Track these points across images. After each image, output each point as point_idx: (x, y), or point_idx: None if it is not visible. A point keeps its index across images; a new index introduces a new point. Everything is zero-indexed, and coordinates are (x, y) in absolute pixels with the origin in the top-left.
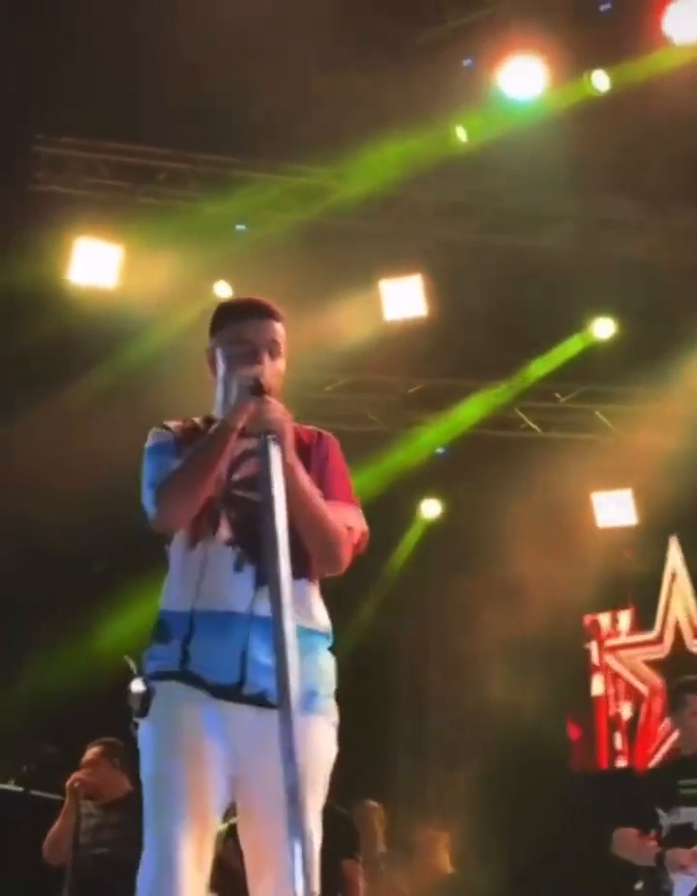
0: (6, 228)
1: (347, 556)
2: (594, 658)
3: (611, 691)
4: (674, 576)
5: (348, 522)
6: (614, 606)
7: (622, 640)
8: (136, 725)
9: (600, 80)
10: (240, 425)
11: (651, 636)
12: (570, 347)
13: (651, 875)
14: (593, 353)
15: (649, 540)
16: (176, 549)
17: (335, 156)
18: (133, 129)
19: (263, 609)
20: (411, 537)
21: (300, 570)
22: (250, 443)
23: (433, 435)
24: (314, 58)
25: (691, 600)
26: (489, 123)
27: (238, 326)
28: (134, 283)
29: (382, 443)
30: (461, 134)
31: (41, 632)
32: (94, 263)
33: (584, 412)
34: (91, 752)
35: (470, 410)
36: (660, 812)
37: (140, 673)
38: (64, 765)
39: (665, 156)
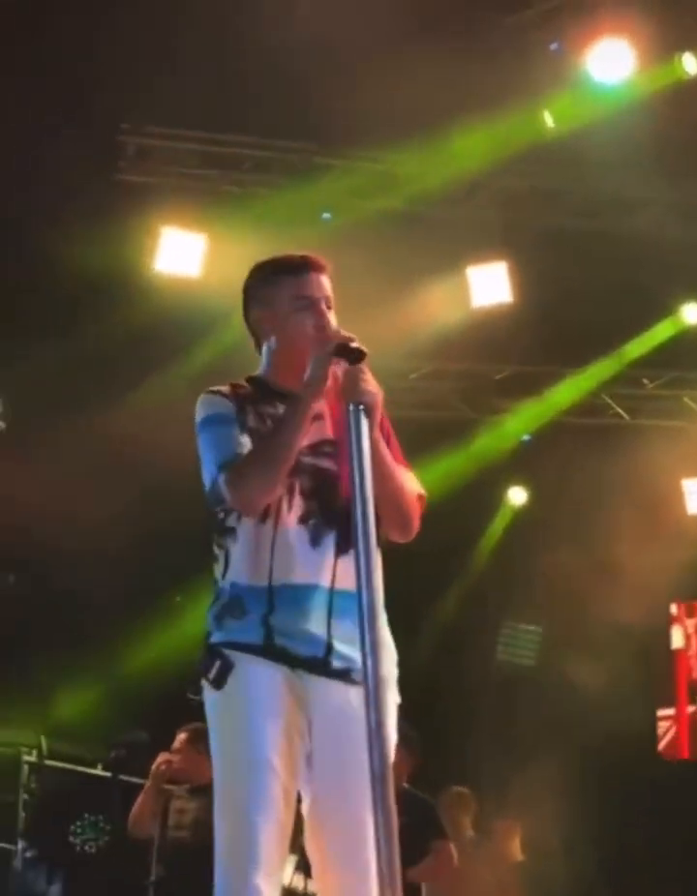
0: (92, 218)
1: (417, 524)
2: (680, 642)
3: None
4: None
5: (415, 488)
6: None
7: None
8: (199, 692)
9: (690, 63)
10: (320, 394)
11: None
12: (659, 333)
13: None
14: (682, 339)
15: None
16: (245, 520)
17: (420, 142)
18: (217, 117)
19: (345, 581)
20: (498, 524)
21: (377, 538)
22: (316, 406)
23: (519, 423)
24: (399, 44)
25: None
26: (577, 107)
27: (298, 280)
28: (218, 272)
29: (469, 430)
30: (548, 118)
31: (130, 619)
32: (179, 252)
33: (672, 399)
34: (179, 739)
35: (558, 397)
36: None
37: (205, 638)
38: (153, 751)
39: None
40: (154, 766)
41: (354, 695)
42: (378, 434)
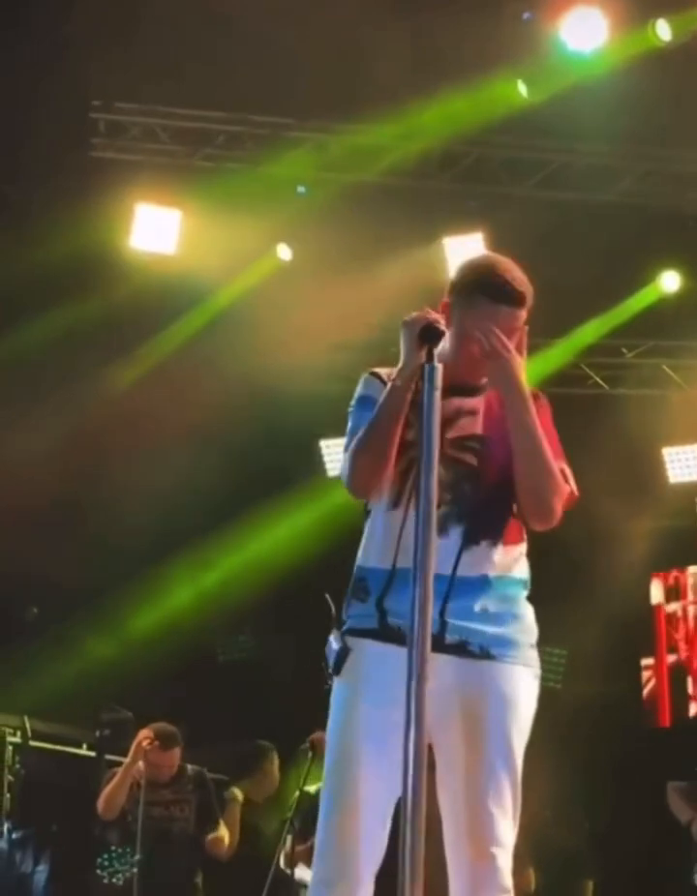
0: (66, 196)
1: (559, 508)
2: (659, 598)
3: (681, 645)
4: None
5: (563, 481)
6: (687, 562)
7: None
8: (331, 680)
9: (663, 30)
10: (410, 383)
11: None
12: (637, 302)
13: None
14: (660, 307)
15: None
16: (377, 507)
17: (393, 114)
18: (189, 92)
19: (467, 570)
20: None
21: (507, 531)
22: (464, 402)
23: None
24: (369, 15)
25: None
26: (550, 77)
27: (490, 310)
28: (195, 249)
29: None
30: (522, 88)
31: (116, 601)
32: (154, 229)
33: (652, 367)
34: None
35: (536, 368)
36: None
37: (338, 626)
38: (138, 730)
39: None
40: (135, 743)
41: (472, 666)
42: (528, 408)
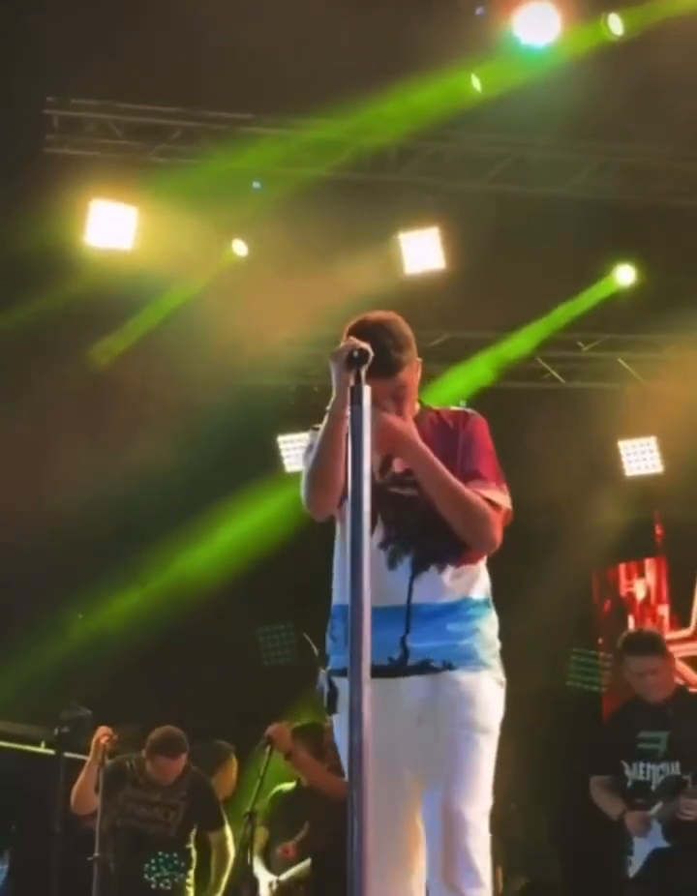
0: (21, 192)
1: (495, 534)
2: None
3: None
4: None
5: (486, 504)
6: (643, 554)
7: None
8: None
9: (616, 24)
10: (343, 408)
11: (686, 632)
12: (592, 296)
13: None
14: (616, 301)
15: (676, 489)
16: (339, 545)
17: (349, 109)
18: (144, 88)
19: (421, 596)
20: None
21: (455, 553)
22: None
23: (455, 388)
24: (324, 10)
25: None
26: (504, 71)
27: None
28: (151, 245)
29: None
30: (476, 83)
31: (73, 596)
32: (110, 225)
33: (607, 361)
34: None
35: (492, 362)
36: (625, 764)
37: (323, 665)
38: (96, 727)
39: (686, 99)
40: (95, 740)
41: (436, 678)
42: (430, 463)
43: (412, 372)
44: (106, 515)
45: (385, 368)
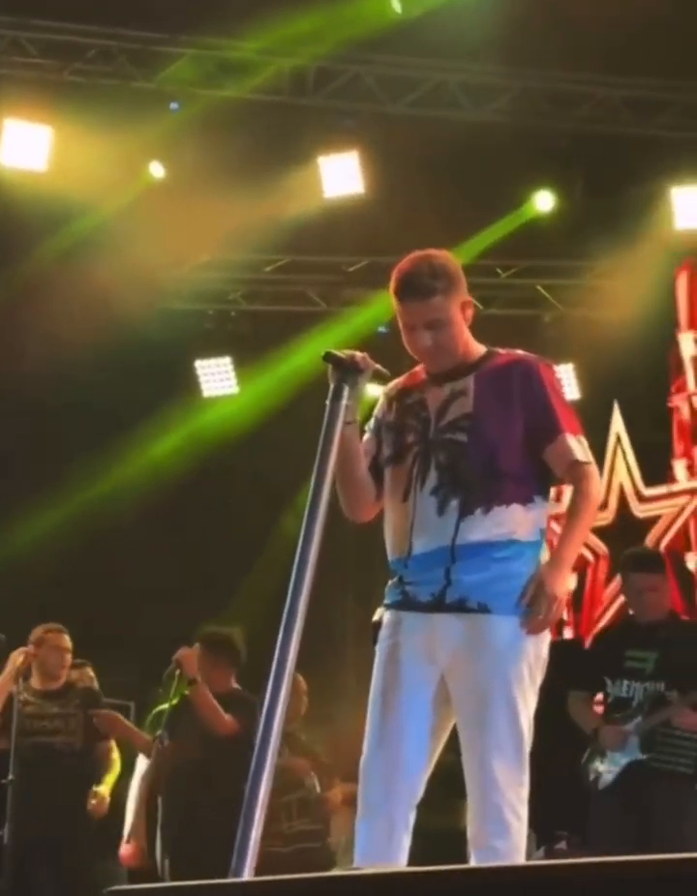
0: None
1: (596, 494)
2: None
3: None
4: (618, 439)
5: (578, 455)
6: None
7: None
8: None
9: None
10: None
11: None
12: (511, 222)
13: (591, 745)
14: (535, 227)
15: (592, 414)
16: (389, 499)
17: (266, 30)
18: (59, 5)
19: (467, 536)
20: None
21: (504, 496)
22: (454, 385)
23: (374, 314)
24: None
25: (634, 465)
26: None
27: (400, 308)
28: (66, 166)
29: (323, 323)
30: (396, 5)
31: None
32: (24, 145)
33: (526, 288)
34: (44, 631)
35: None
36: (607, 680)
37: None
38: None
39: (607, 25)
40: (11, 660)
41: (471, 620)
42: (566, 561)
43: (450, 303)
44: (26, 434)
45: (417, 290)
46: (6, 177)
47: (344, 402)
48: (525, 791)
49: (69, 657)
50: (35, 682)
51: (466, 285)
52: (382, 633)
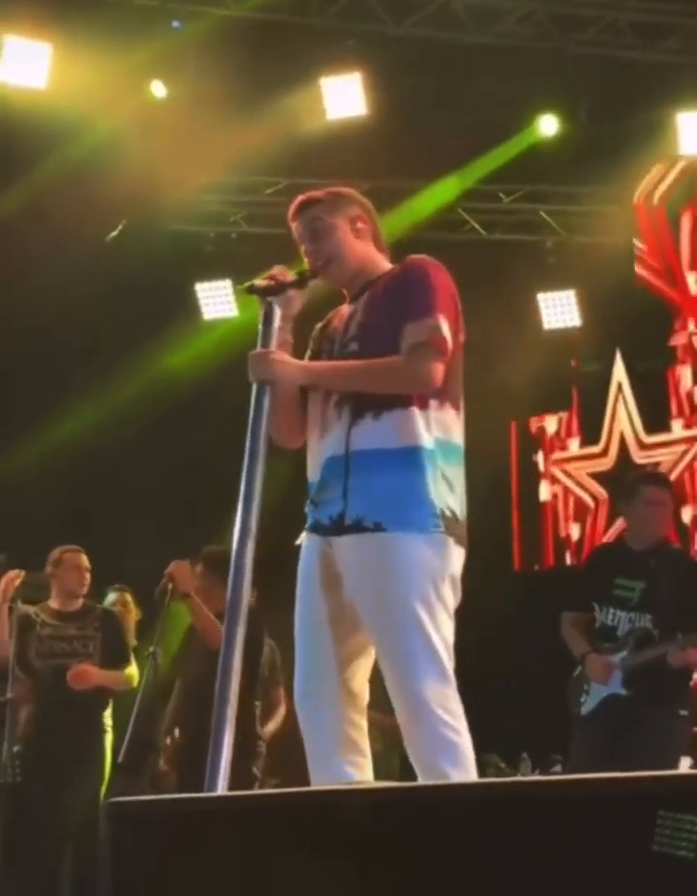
0: None
1: (422, 376)
2: (540, 466)
3: (559, 498)
4: (619, 388)
5: (416, 338)
6: (560, 408)
7: (569, 453)
8: None
9: None
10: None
11: (596, 449)
12: (514, 146)
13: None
14: (538, 152)
15: (593, 342)
16: (308, 425)
17: None
18: None
19: (358, 444)
20: None
21: (391, 399)
22: (359, 301)
23: None
24: None
25: (635, 412)
26: None
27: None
28: (66, 83)
29: None
30: None
31: None
32: (23, 62)
33: (529, 212)
34: (61, 552)
35: (414, 211)
36: (596, 606)
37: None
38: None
39: None
40: (5, 582)
41: (369, 540)
42: (329, 378)
43: (331, 214)
44: (30, 354)
45: (299, 206)
46: (5, 94)
47: (275, 324)
48: (456, 706)
49: (87, 576)
50: (54, 603)
51: (362, 208)
52: (301, 557)
